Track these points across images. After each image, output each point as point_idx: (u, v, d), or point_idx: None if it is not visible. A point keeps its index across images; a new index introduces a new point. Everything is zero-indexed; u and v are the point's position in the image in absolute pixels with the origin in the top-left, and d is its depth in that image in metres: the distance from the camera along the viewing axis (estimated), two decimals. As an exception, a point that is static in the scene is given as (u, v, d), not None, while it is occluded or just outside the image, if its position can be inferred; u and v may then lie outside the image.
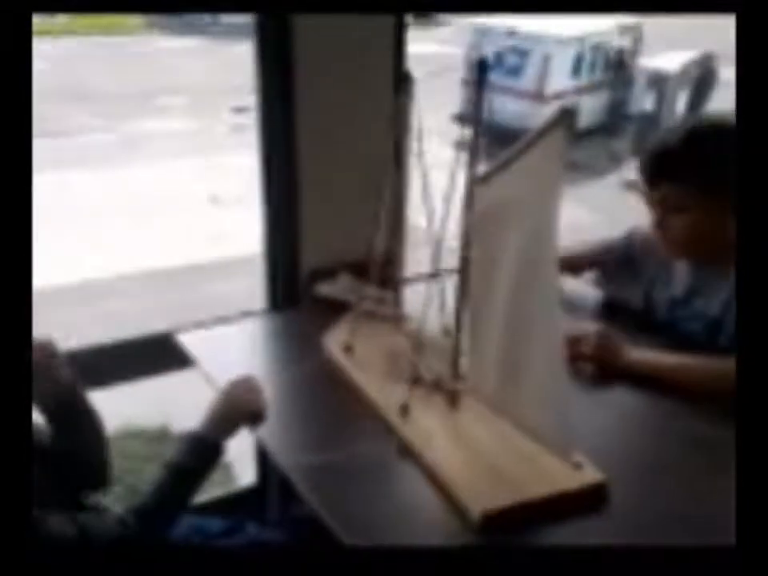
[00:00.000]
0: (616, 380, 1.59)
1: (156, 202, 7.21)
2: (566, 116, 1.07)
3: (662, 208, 1.63)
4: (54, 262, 5.67)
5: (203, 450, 1.39)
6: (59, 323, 2.08)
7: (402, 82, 1.46)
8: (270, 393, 1.51)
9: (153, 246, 6.16)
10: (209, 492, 2.23)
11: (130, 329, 1.94)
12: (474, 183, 1.29)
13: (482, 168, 1.28)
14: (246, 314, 1.92)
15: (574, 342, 1.61)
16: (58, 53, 11.71)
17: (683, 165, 1.57)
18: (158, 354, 1.82)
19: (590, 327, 1.64)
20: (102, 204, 7.14)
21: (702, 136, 1.58)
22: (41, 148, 8.28)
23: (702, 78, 11.07)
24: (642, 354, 1.60)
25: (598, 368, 1.61)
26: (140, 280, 5.27)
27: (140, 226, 6.70)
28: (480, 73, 1.21)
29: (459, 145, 1.28)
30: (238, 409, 1.46)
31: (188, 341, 1.74)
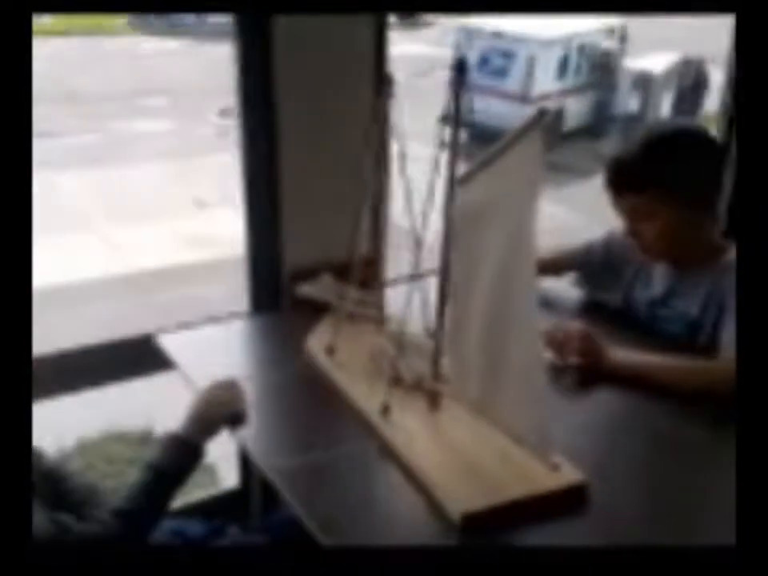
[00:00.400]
0: (598, 381, 1.60)
1: (140, 204, 7.18)
2: (544, 117, 1.07)
3: (631, 217, 1.67)
4: (38, 263, 5.64)
5: (183, 452, 1.38)
6: (41, 325, 2.06)
7: (382, 84, 1.46)
8: (251, 394, 1.50)
9: (137, 247, 6.14)
10: (192, 494, 2.22)
11: (112, 331, 1.93)
12: (454, 184, 1.30)
13: (464, 169, 1.29)
14: (228, 316, 1.92)
15: (557, 345, 1.62)
16: (42, 53, 11.63)
17: (642, 175, 1.61)
18: (140, 357, 1.81)
19: (572, 327, 1.65)
20: (86, 205, 7.10)
21: (657, 145, 1.62)
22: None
23: (694, 81, 11.13)
24: (624, 355, 1.61)
25: (580, 370, 1.62)
26: (123, 282, 5.25)
27: (124, 227, 6.68)
28: (458, 73, 1.21)
29: (440, 145, 1.28)
30: (218, 410, 1.45)
31: (169, 343, 1.73)
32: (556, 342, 1.62)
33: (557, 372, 1.61)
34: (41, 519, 1.21)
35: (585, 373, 1.61)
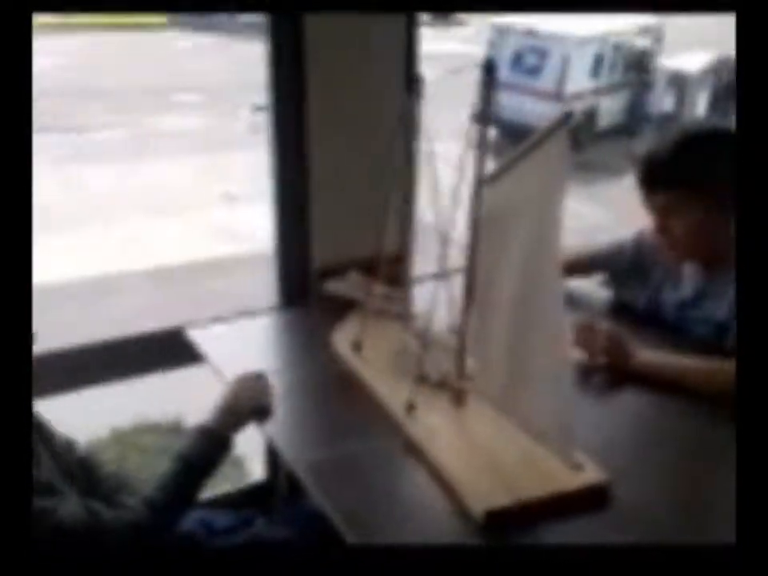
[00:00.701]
0: (626, 382, 1.60)
1: (170, 198, 7.25)
2: (570, 118, 1.07)
3: (662, 214, 1.66)
4: (69, 256, 5.73)
5: (213, 443, 1.40)
6: (71, 317, 2.10)
7: (412, 82, 1.47)
8: (278, 389, 1.52)
9: (166, 242, 6.20)
10: (220, 487, 2.25)
11: (142, 324, 1.96)
12: (482, 183, 1.30)
13: (494, 167, 1.29)
14: (256, 311, 1.94)
15: (585, 344, 1.62)
16: (75, 48, 11.78)
17: (675, 172, 1.61)
18: (171, 350, 1.84)
19: (600, 326, 1.65)
20: (117, 200, 7.19)
21: (690, 142, 1.62)
22: (57, 143, 8.34)
23: (730, 80, 10.95)
24: (651, 356, 1.61)
25: (608, 370, 1.62)
26: (153, 276, 5.29)
27: (154, 221, 6.74)
28: (487, 74, 1.21)
29: (468, 145, 1.29)
30: (246, 403, 1.47)
31: (199, 337, 1.76)
32: (584, 342, 1.62)
33: (585, 371, 1.61)
34: (75, 505, 1.24)
35: (612, 372, 1.61)
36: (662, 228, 1.67)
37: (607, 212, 7.39)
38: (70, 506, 1.22)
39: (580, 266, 1.91)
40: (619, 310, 1.89)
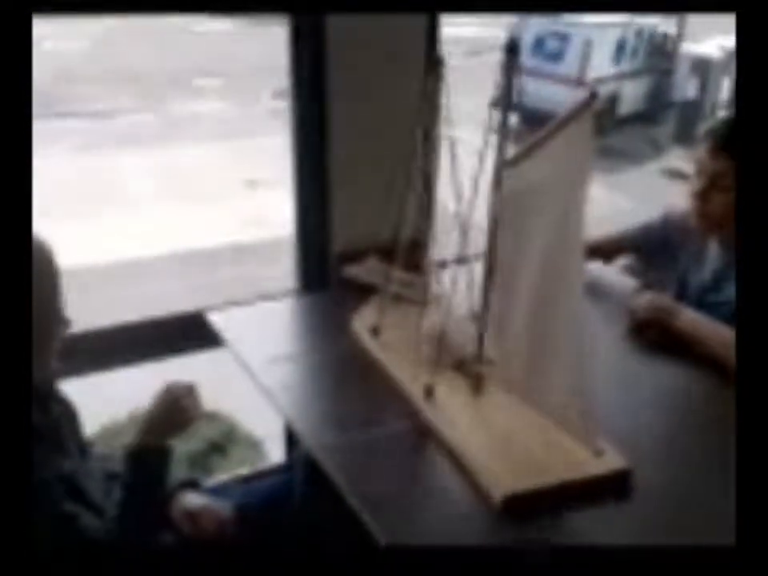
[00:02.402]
0: (669, 342, 1.64)
1: (193, 184, 7.27)
2: (594, 100, 1.06)
3: (711, 179, 1.64)
4: (94, 241, 5.76)
5: (144, 463, 1.34)
6: (98, 300, 2.11)
7: (432, 66, 1.46)
8: (297, 372, 1.52)
9: (190, 226, 6.22)
10: (239, 470, 2.27)
11: (164, 308, 1.97)
12: (503, 167, 1.29)
13: (514, 152, 1.28)
14: (277, 295, 1.94)
15: (631, 311, 1.68)
16: (100, 32, 11.80)
17: None
18: (192, 333, 1.85)
19: (642, 298, 1.71)
20: (140, 184, 7.22)
21: None
22: (81, 129, 8.37)
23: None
24: (695, 317, 1.64)
25: (655, 331, 1.66)
26: (176, 260, 5.33)
27: (178, 206, 6.77)
28: (509, 55, 1.20)
29: (489, 129, 1.27)
30: (176, 417, 1.38)
31: (218, 320, 1.76)
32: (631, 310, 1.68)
33: (631, 332, 1.68)
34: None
35: (657, 331, 1.66)
36: (703, 195, 1.66)
37: (628, 198, 7.33)
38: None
39: (609, 248, 1.91)
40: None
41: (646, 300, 1.70)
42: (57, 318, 1.26)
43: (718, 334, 1.59)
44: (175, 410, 1.37)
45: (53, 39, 10.89)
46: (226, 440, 3.31)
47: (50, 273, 1.22)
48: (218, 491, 1.62)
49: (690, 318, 1.64)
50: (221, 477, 1.54)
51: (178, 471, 1.47)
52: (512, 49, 1.20)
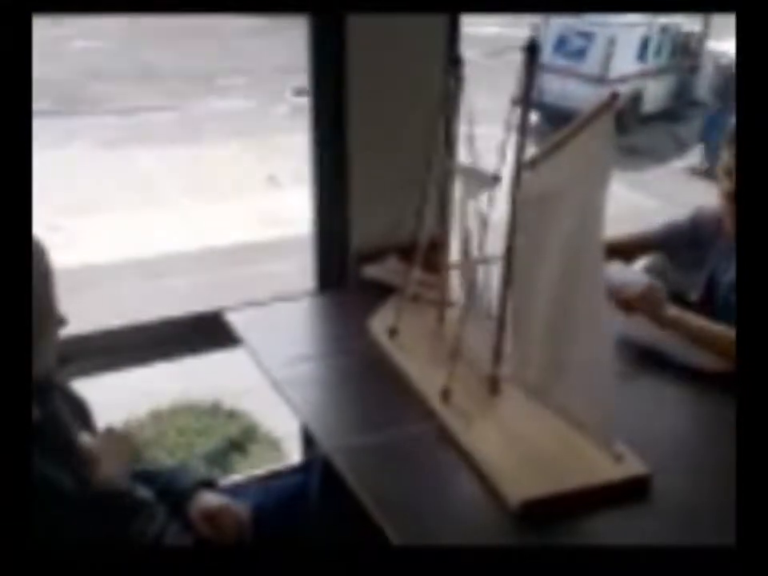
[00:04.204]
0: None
1: (215, 181, 7.31)
2: (615, 99, 1.05)
3: None
4: (116, 238, 5.80)
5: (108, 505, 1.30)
6: (117, 297, 2.12)
7: (452, 65, 1.45)
8: (314, 373, 1.52)
9: (211, 224, 6.26)
10: (256, 469, 2.27)
11: (184, 306, 1.97)
12: (522, 168, 1.28)
13: (535, 151, 1.27)
14: (295, 295, 1.94)
15: (620, 289, 1.64)
16: (122, 30, 11.87)
17: None
18: (211, 332, 1.85)
19: (641, 280, 1.67)
20: (162, 182, 7.26)
21: None
22: (104, 125, 8.43)
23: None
24: (682, 313, 1.63)
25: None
26: (197, 258, 5.36)
27: (199, 204, 6.80)
28: (529, 54, 1.19)
29: (509, 128, 1.26)
30: (114, 464, 1.32)
31: (236, 320, 1.76)
32: (620, 288, 1.64)
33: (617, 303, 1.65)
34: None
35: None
36: (733, 195, 1.63)
37: (651, 197, 7.27)
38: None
39: (632, 247, 1.89)
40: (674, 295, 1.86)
41: (644, 284, 1.66)
42: (50, 316, 1.26)
43: (717, 332, 1.58)
44: (111, 458, 1.32)
45: (81, 39, 11.01)
46: (246, 438, 3.33)
47: (43, 271, 1.21)
48: (234, 491, 1.61)
49: (678, 313, 1.63)
50: (238, 476, 1.53)
51: (196, 470, 1.47)
52: (532, 48, 1.19)
